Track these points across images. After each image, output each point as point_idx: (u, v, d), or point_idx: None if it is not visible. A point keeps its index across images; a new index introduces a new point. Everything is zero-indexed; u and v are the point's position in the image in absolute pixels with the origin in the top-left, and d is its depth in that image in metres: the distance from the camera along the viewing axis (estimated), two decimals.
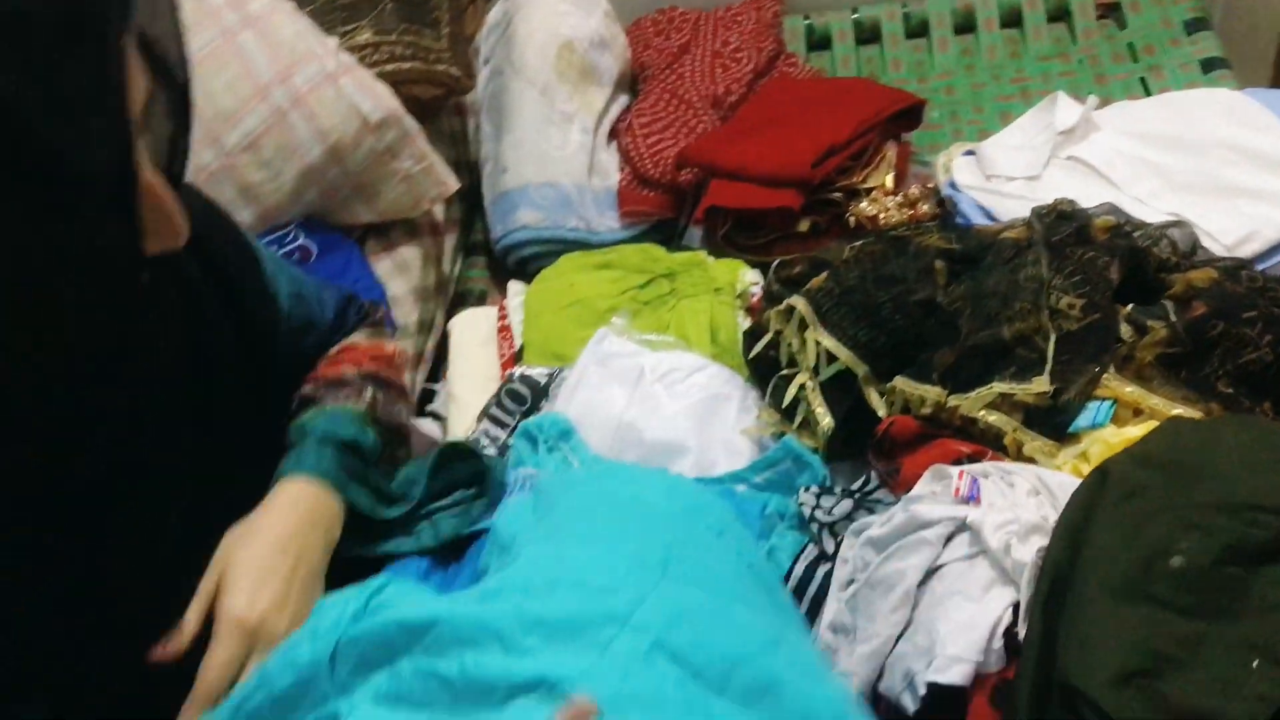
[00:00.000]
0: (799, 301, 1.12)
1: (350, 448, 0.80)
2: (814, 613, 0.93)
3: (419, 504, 0.89)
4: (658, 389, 1.19)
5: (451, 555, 0.92)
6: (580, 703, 0.54)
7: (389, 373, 0.89)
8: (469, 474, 0.95)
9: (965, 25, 1.95)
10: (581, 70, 1.69)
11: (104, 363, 0.60)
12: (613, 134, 1.75)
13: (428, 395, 1.46)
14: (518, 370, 1.27)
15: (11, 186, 0.46)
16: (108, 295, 0.54)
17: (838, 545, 0.95)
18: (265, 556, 0.68)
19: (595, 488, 0.87)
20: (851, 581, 0.91)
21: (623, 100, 1.82)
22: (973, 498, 0.88)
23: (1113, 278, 1.01)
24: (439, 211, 1.64)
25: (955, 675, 0.76)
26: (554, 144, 1.61)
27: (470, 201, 1.76)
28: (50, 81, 0.45)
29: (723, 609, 0.68)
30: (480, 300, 1.62)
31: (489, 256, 1.71)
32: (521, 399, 1.23)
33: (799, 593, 0.94)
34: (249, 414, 0.77)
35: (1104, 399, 0.94)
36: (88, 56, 0.46)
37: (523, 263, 1.61)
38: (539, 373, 1.25)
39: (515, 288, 1.44)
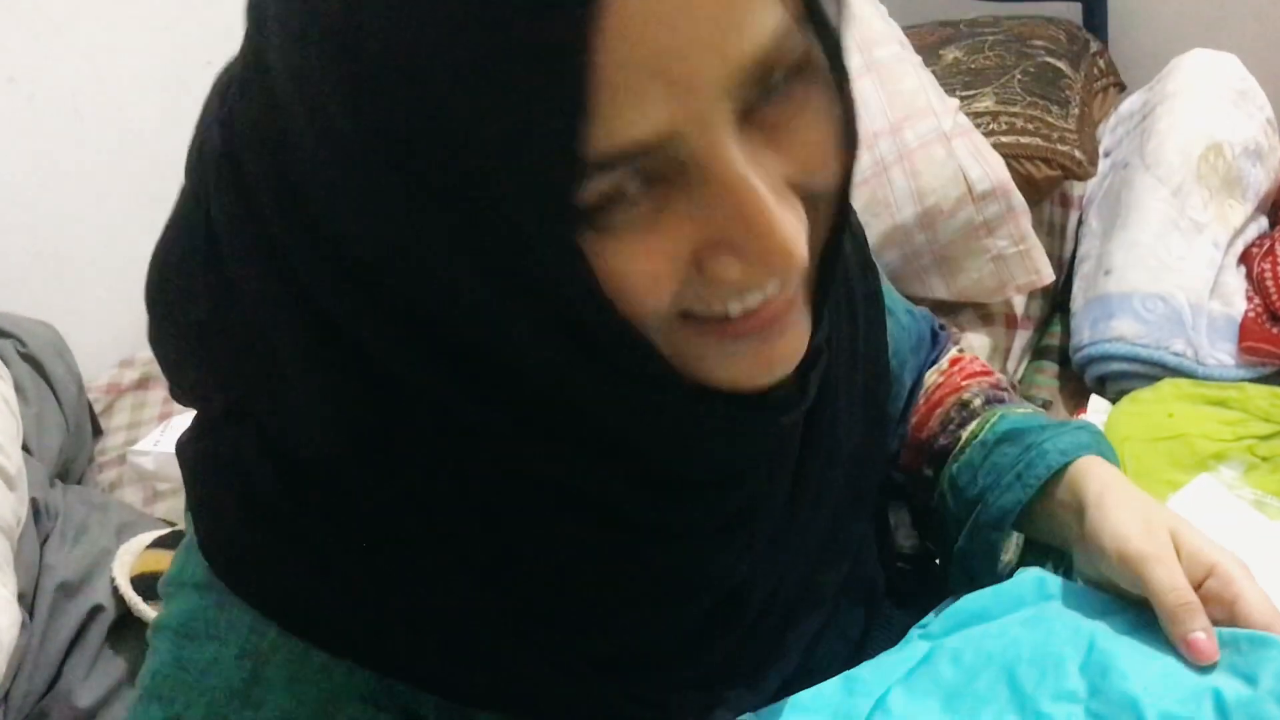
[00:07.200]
0: None
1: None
2: None
3: None
4: (1261, 566, 0.96)
5: None
6: None
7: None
8: None
9: None
10: (1226, 179, 1.46)
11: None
12: (1243, 257, 1.49)
13: None
14: None
15: None
16: None
17: None
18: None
19: None
20: None
21: (1261, 222, 1.55)
22: None
23: None
24: (1019, 304, 1.49)
25: None
26: (1175, 253, 1.39)
27: (1054, 302, 1.59)
28: None
29: None
30: (1044, 409, 1.43)
31: (1060, 364, 1.52)
32: None
33: None
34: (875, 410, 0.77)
35: None
36: None
37: (1102, 379, 1.41)
38: None
39: (1098, 404, 1.25)
